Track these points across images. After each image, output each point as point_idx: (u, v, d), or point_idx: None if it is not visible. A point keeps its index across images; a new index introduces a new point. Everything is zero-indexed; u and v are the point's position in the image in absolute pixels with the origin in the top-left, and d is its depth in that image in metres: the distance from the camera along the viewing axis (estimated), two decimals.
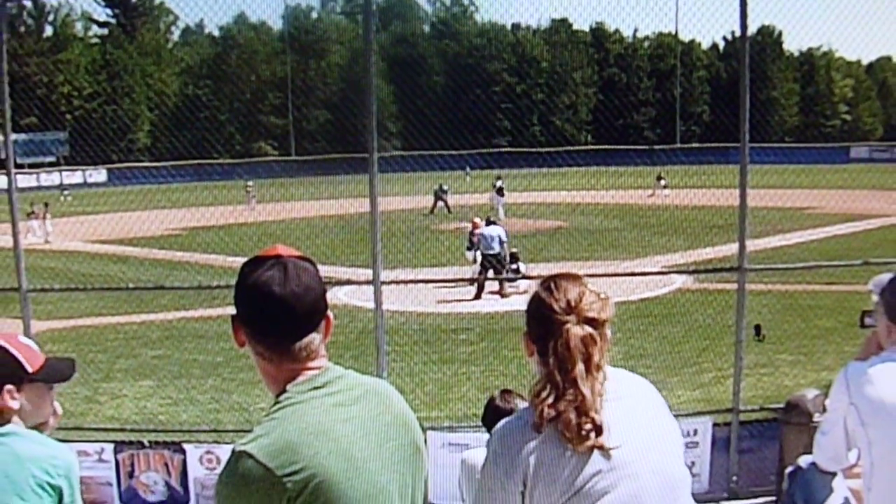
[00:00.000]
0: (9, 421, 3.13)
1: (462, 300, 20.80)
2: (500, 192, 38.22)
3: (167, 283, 18.51)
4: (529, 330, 2.81)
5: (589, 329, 2.68)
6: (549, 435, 2.61)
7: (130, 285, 16.43)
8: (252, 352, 2.51)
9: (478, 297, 20.90)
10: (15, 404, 3.17)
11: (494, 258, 21.49)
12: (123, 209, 33.06)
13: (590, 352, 2.65)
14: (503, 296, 20.86)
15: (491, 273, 21.19)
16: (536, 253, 24.63)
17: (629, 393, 2.76)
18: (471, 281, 20.99)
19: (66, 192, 49.21)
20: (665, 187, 43.36)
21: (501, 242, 21.91)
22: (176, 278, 22.28)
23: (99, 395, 13.73)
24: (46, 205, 36.53)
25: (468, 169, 48.84)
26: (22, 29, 73.11)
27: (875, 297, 3.80)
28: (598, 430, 2.59)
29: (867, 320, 5.05)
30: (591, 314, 2.70)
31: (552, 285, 2.78)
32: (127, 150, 64.09)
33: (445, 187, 42.00)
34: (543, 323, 2.73)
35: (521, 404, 4.13)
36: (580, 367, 2.63)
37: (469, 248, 23.41)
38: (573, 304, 2.71)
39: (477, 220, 24.21)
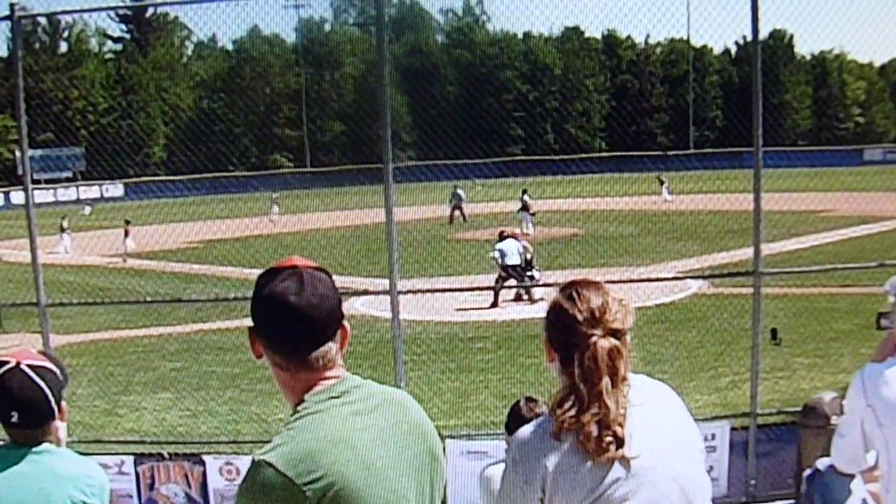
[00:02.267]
0: (48, 440, 3.09)
1: (479, 308, 20.78)
2: (524, 206, 37.89)
3: (184, 296, 18.58)
4: (550, 337, 2.78)
5: (615, 341, 2.65)
6: (568, 443, 2.60)
7: (148, 298, 16.53)
8: (269, 363, 2.52)
9: (494, 305, 20.89)
10: (65, 424, 3.20)
11: (514, 269, 21.46)
12: (140, 223, 33.18)
13: (616, 365, 2.63)
14: (532, 301, 20.89)
15: (512, 283, 21.13)
16: (552, 261, 24.58)
17: (650, 399, 2.74)
18: (488, 289, 20.95)
19: (87, 207, 49.38)
20: (664, 191, 43.32)
21: (520, 254, 21.88)
22: (193, 291, 22.33)
23: (118, 408, 13.78)
24: (128, 222, 34.10)
25: (476, 180, 48.76)
26: (37, 45, 73.71)
27: (891, 299, 3.80)
28: (620, 442, 2.58)
29: (883, 322, 5.05)
30: (615, 325, 2.67)
31: (574, 293, 2.74)
32: (143, 164, 64.39)
33: (461, 193, 41.79)
34: (566, 332, 2.70)
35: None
36: (606, 380, 2.61)
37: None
38: (597, 314, 2.67)
39: (506, 230, 24.17)
